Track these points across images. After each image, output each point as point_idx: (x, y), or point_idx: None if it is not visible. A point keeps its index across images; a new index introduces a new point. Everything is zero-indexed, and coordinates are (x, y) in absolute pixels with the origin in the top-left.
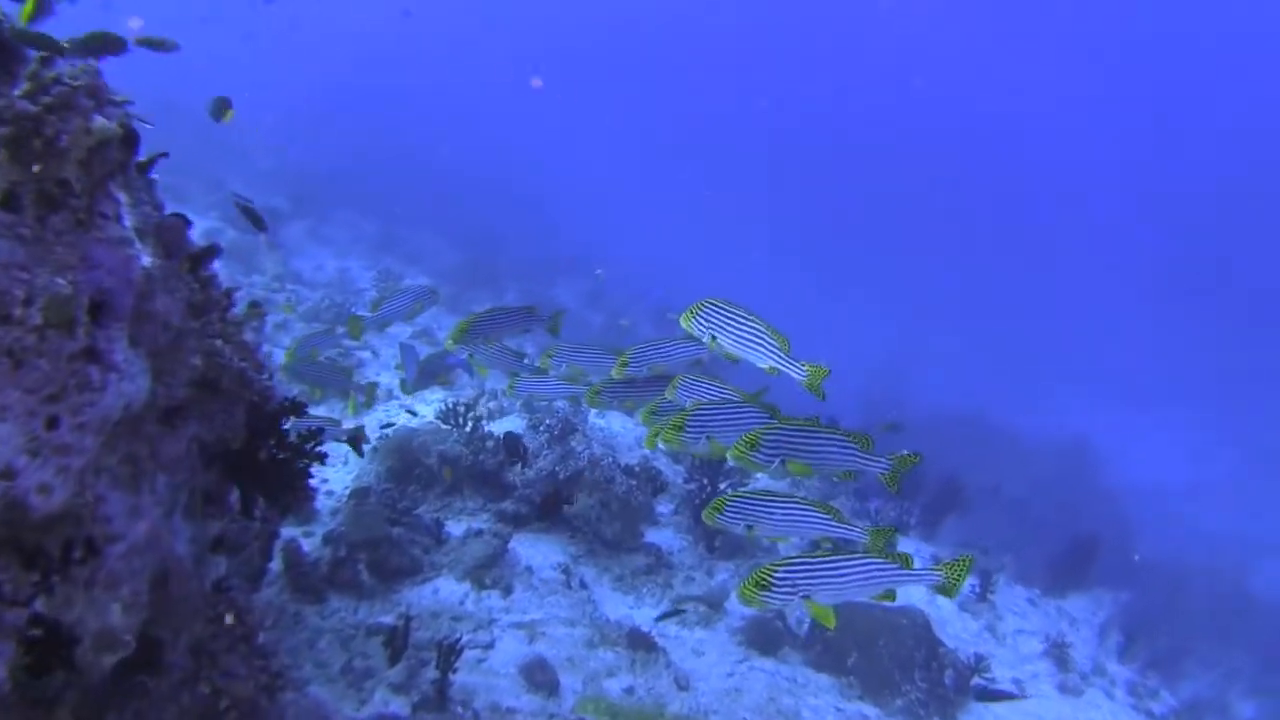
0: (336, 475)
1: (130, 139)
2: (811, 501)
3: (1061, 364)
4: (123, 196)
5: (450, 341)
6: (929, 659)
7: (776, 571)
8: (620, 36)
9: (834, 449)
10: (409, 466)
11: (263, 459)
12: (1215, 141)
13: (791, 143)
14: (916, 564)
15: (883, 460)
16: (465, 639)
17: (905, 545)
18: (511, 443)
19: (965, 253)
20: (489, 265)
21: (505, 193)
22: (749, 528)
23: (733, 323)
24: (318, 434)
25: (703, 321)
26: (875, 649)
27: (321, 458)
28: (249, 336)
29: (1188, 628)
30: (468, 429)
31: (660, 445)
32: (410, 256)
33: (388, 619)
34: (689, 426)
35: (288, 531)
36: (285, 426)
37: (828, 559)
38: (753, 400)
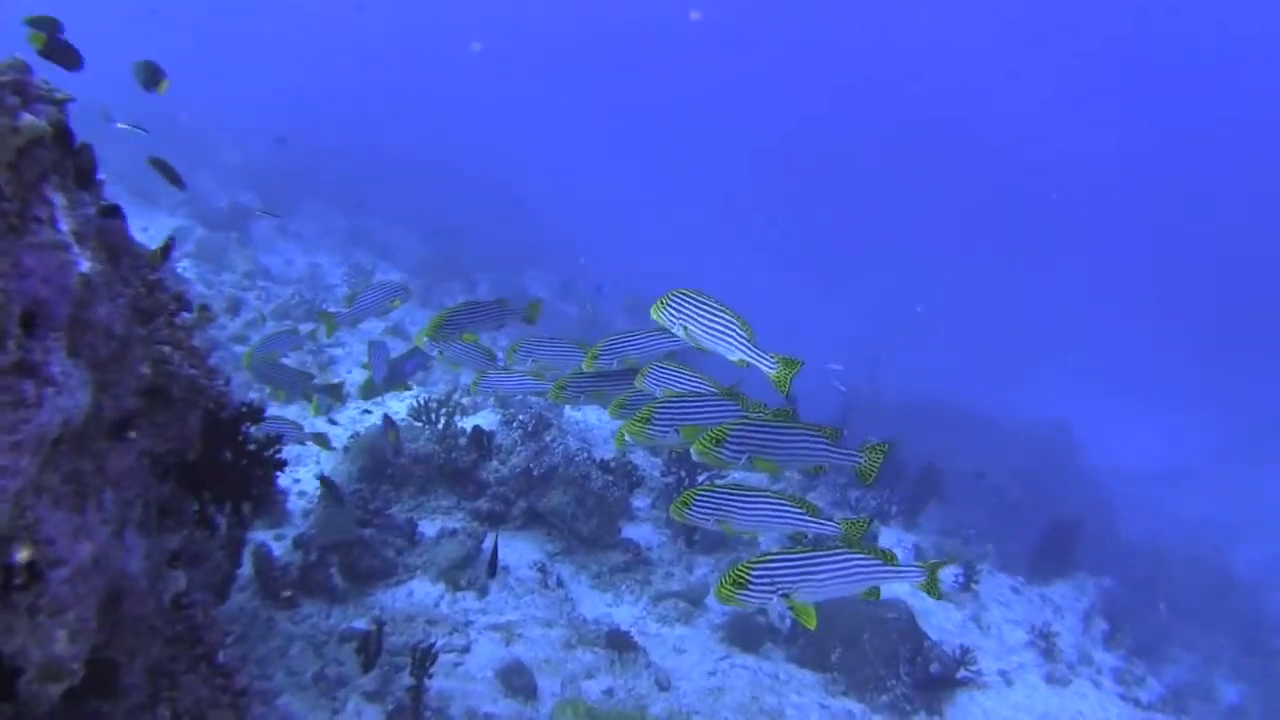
0: (309, 475)
1: (64, 137)
2: (785, 495)
3: (1039, 351)
4: (58, 198)
5: (423, 337)
6: (914, 653)
7: (754, 569)
8: (591, 22)
9: (803, 444)
10: (380, 466)
11: (220, 468)
12: (1198, 128)
13: (771, 134)
14: (900, 559)
15: (854, 453)
16: (440, 643)
17: (887, 534)
18: (478, 436)
19: (942, 243)
20: (459, 257)
21: (475, 184)
22: (719, 523)
23: (703, 313)
24: (277, 439)
25: (673, 312)
26: (859, 644)
27: (281, 464)
28: (198, 342)
29: (1169, 612)
30: (440, 426)
31: (630, 439)
32: (380, 250)
33: (361, 623)
34: (656, 419)
35: (259, 535)
36: (244, 433)
37: (807, 555)
38: (727, 393)
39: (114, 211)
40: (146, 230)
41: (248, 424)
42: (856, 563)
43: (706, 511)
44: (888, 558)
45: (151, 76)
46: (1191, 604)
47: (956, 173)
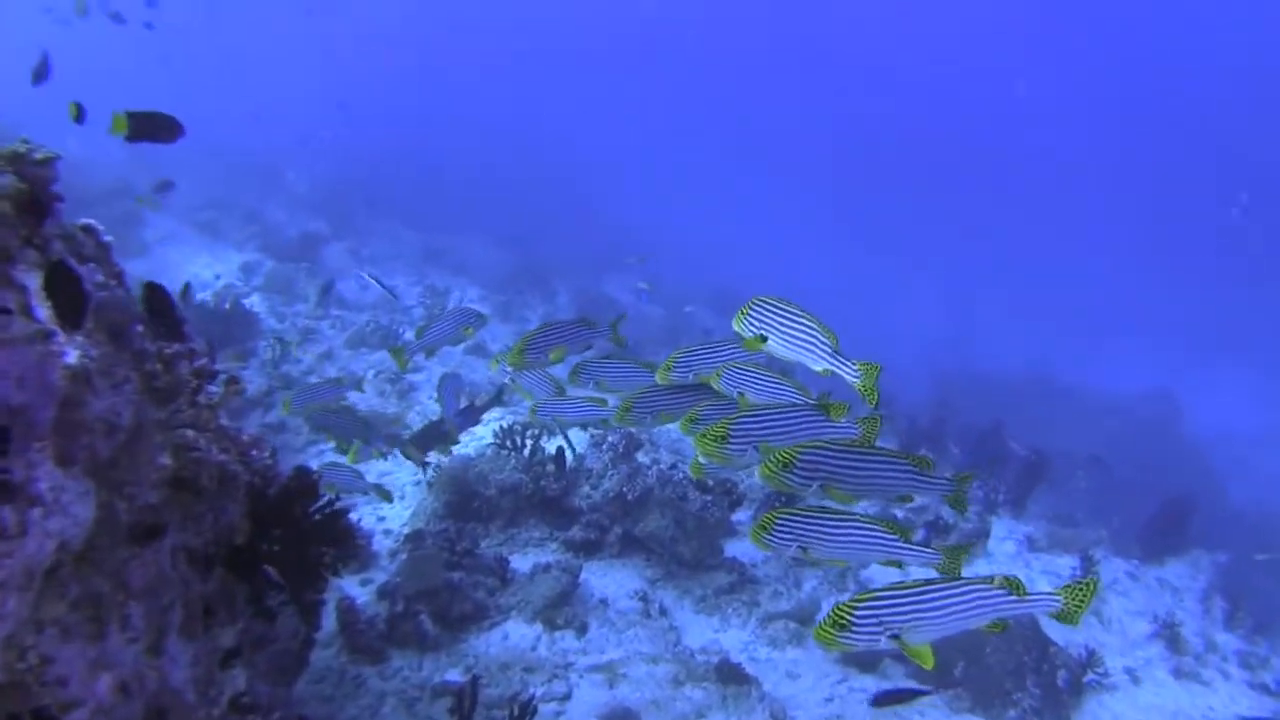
0: (394, 512)
1: (35, 205)
2: (877, 520)
3: (1113, 321)
4: (31, 280)
5: (509, 363)
6: (1040, 661)
7: (858, 609)
8: (655, 22)
9: (885, 472)
10: (466, 499)
11: (273, 552)
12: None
13: (840, 128)
14: (1026, 582)
15: (944, 481)
16: (540, 692)
17: (996, 525)
18: (558, 455)
19: (1011, 221)
20: (537, 267)
21: (549, 190)
22: (803, 549)
23: (785, 322)
24: (337, 516)
25: (755, 321)
26: (983, 656)
27: (344, 535)
28: (226, 420)
29: None
30: (526, 452)
31: (704, 460)
32: (456, 267)
33: (455, 674)
34: (733, 435)
35: (343, 582)
36: (296, 508)
37: (920, 591)
38: (821, 404)
39: (118, 279)
40: (218, 276)
41: (302, 499)
42: (978, 595)
43: (788, 537)
44: (1014, 586)
45: (40, 72)
46: None
47: (1017, 157)
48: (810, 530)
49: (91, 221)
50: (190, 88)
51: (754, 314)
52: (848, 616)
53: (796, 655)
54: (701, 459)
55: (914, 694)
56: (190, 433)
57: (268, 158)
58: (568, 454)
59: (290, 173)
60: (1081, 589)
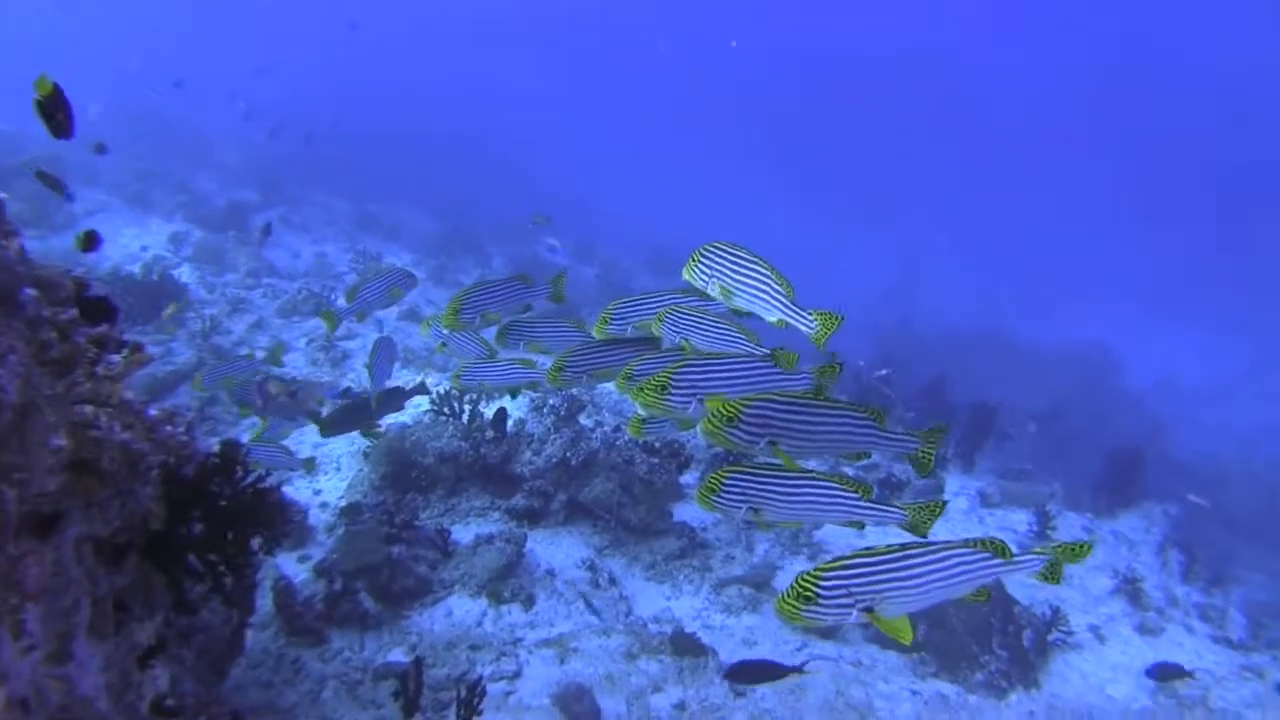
0: (330, 484)
1: None
2: (836, 478)
3: (1061, 277)
4: None
5: (443, 324)
6: (1005, 622)
7: (824, 579)
8: None
9: (841, 426)
10: (404, 469)
11: (192, 536)
12: (1206, 47)
13: (778, 81)
14: (1011, 544)
15: (907, 437)
16: (487, 672)
17: (947, 482)
18: (498, 417)
19: (958, 176)
20: (470, 232)
21: (480, 159)
22: (754, 511)
23: (738, 269)
24: (265, 493)
25: (706, 268)
26: (946, 618)
27: (272, 519)
28: (130, 394)
29: (1233, 531)
30: (464, 418)
31: (643, 410)
32: (389, 232)
33: (398, 654)
34: (674, 385)
35: (280, 559)
36: (215, 489)
37: (895, 558)
38: (774, 355)
39: (6, 236)
40: (145, 248)
41: (221, 477)
42: (959, 560)
43: (738, 498)
44: (998, 549)
45: None
46: (1255, 522)
47: (969, 109)
48: (762, 490)
49: None
50: (119, 52)
51: (705, 261)
52: (814, 588)
53: (752, 622)
54: (641, 412)
55: (780, 671)
56: (89, 409)
57: (198, 128)
58: (507, 419)
59: (220, 143)
60: (1070, 551)
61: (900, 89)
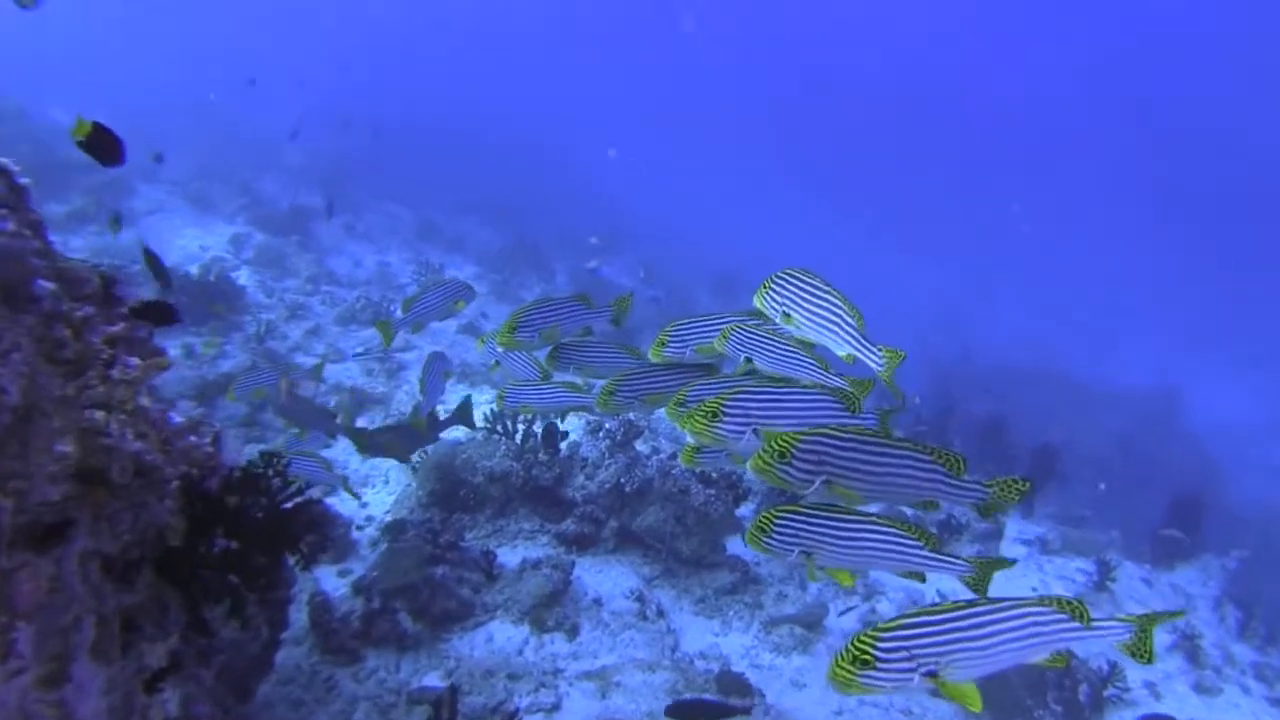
0: (377, 498)
1: None
2: (895, 522)
3: (1113, 310)
4: None
5: (499, 342)
6: (1061, 675)
7: (883, 641)
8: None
9: (907, 469)
10: (453, 488)
11: (212, 554)
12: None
13: (839, 104)
14: (1092, 610)
15: (978, 486)
16: (524, 703)
17: (1006, 527)
18: (549, 433)
19: (1010, 211)
20: (534, 247)
21: (549, 173)
22: (806, 554)
23: (810, 297)
24: (301, 508)
25: (777, 297)
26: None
27: (306, 531)
28: (145, 400)
29: None
30: (517, 437)
31: (694, 440)
32: (452, 244)
33: (434, 678)
34: (728, 413)
35: (320, 572)
36: (240, 506)
37: (962, 616)
38: (846, 393)
39: (33, 229)
40: (203, 248)
41: (248, 492)
42: (1034, 622)
43: (789, 539)
44: (1076, 612)
45: None
46: None
47: (1012, 146)
48: (816, 532)
49: (6, 160)
50: (192, 54)
51: (777, 288)
52: (871, 651)
53: (802, 663)
54: (691, 440)
55: (724, 711)
56: (100, 414)
57: (265, 130)
58: (559, 435)
59: (283, 145)
60: (1160, 620)
61: (951, 115)
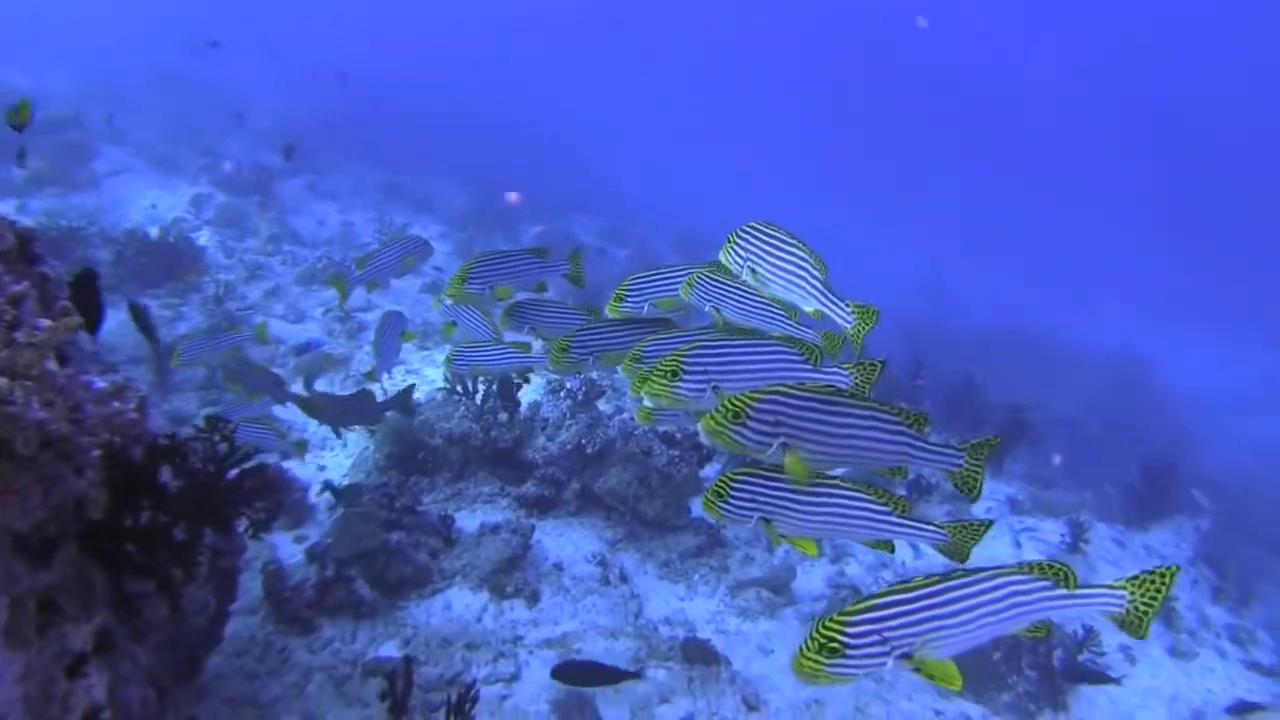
0: (335, 461)
1: None
2: (863, 486)
3: (1090, 278)
4: None
5: (448, 294)
6: (1036, 640)
7: (851, 625)
8: None
9: (871, 431)
10: (411, 450)
11: (138, 528)
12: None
13: (816, 73)
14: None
15: (950, 451)
16: (483, 673)
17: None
18: (505, 391)
19: (989, 174)
20: (501, 207)
21: (518, 133)
22: (766, 521)
23: (775, 251)
24: (238, 484)
25: (742, 251)
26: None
27: (236, 511)
28: (53, 365)
29: (1262, 548)
30: (478, 398)
31: (649, 402)
32: (420, 204)
33: (391, 647)
34: (687, 371)
35: (276, 539)
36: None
37: (935, 592)
38: (810, 348)
39: None
40: (154, 205)
41: (174, 461)
42: (1014, 592)
43: (748, 505)
44: (1061, 577)
45: None
46: None
47: (997, 112)
48: (776, 497)
49: None
50: (159, 17)
51: (742, 242)
52: (839, 637)
53: (769, 628)
54: (647, 403)
55: (614, 674)
56: (2, 381)
57: (230, 93)
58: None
59: (251, 108)
60: (1151, 584)
61: (933, 83)
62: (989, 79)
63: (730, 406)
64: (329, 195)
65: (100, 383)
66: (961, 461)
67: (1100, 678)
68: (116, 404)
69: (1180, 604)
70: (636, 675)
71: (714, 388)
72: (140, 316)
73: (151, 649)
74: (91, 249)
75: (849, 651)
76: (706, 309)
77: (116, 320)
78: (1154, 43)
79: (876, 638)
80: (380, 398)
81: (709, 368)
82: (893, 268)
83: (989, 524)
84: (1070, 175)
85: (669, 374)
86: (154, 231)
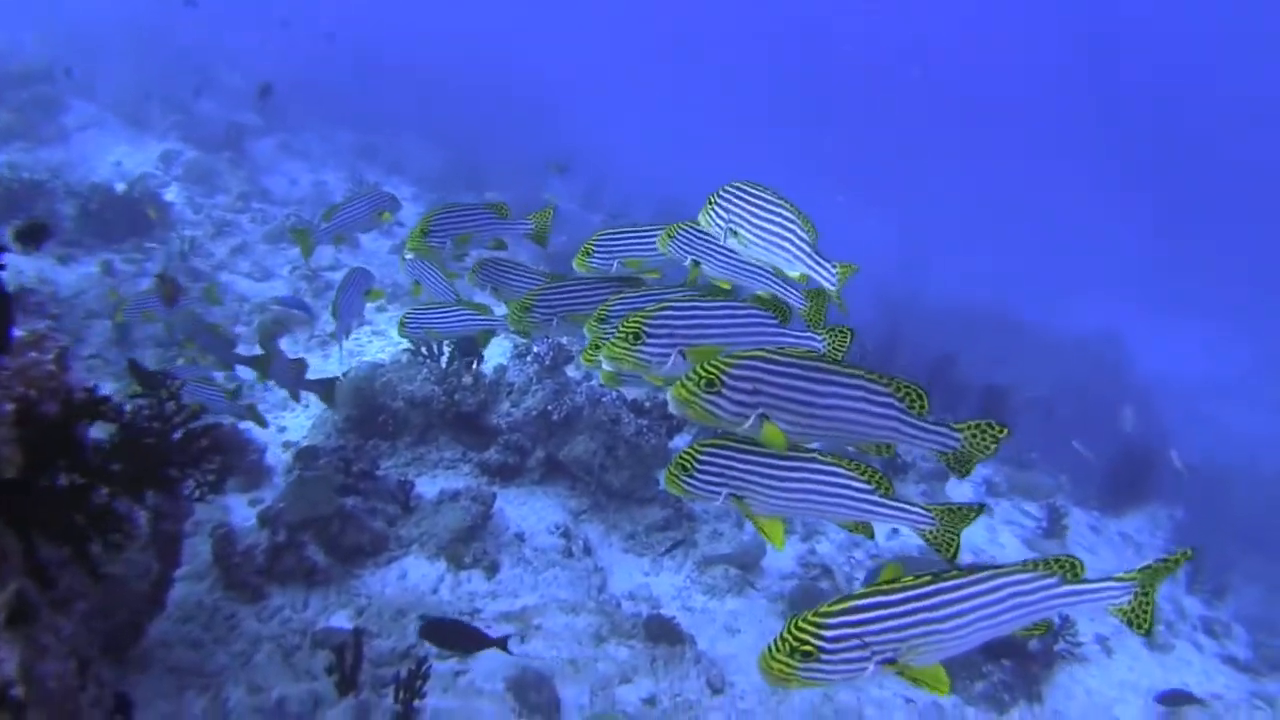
0: (297, 421)
1: None
2: (842, 461)
3: (1069, 260)
4: None
5: (409, 248)
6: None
7: (829, 627)
8: None
9: (856, 403)
10: (371, 413)
11: (56, 490)
12: (1226, 42)
13: (795, 46)
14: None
15: (946, 431)
16: (436, 649)
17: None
18: (465, 347)
19: (971, 152)
20: (476, 169)
21: (493, 96)
22: (736, 498)
23: (760, 211)
24: (165, 451)
25: (723, 211)
26: None
27: (167, 479)
28: None
29: (1235, 540)
30: (443, 361)
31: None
32: (393, 165)
33: (343, 617)
34: (650, 333)
35: (230, 501)
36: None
37: (925, 594)
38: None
39: None
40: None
41: (87, 421)
42: (1013, 594)
43: (715, 481)
44: (1066, 568)
45: None
46: (1255, 530)
47: (975, 89)
48: (747, 472)
49: None
50: None
51: (724, 202)
52: (814, 641)
53: (736, 606)
54: (606, 366)
55: (480, 640)
56: None
57: (209, 51)
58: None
59: (228, 67)
60: (1154, 577)
61: (913, 61)
62: (979, 61)
63: (704, 373)
64: (302, 154)
65: (16, 331)
66: (958, 443)
67: None
68: (33, 354)
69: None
70: (503, 646)
71: (680, 352)
72: (137, 369)
73: (78, 618)
74: (56, 203)
75: (824, 656)
76: (686, 262)
77: (79, 274)
78: (1150, 26)
79: (856, 642)
80: (338, 359)
81: (675, 330)
82: (876, 241)
83: (980, 508)
84: (1060, 159)
85: (630, 336)
86: (120, 186)
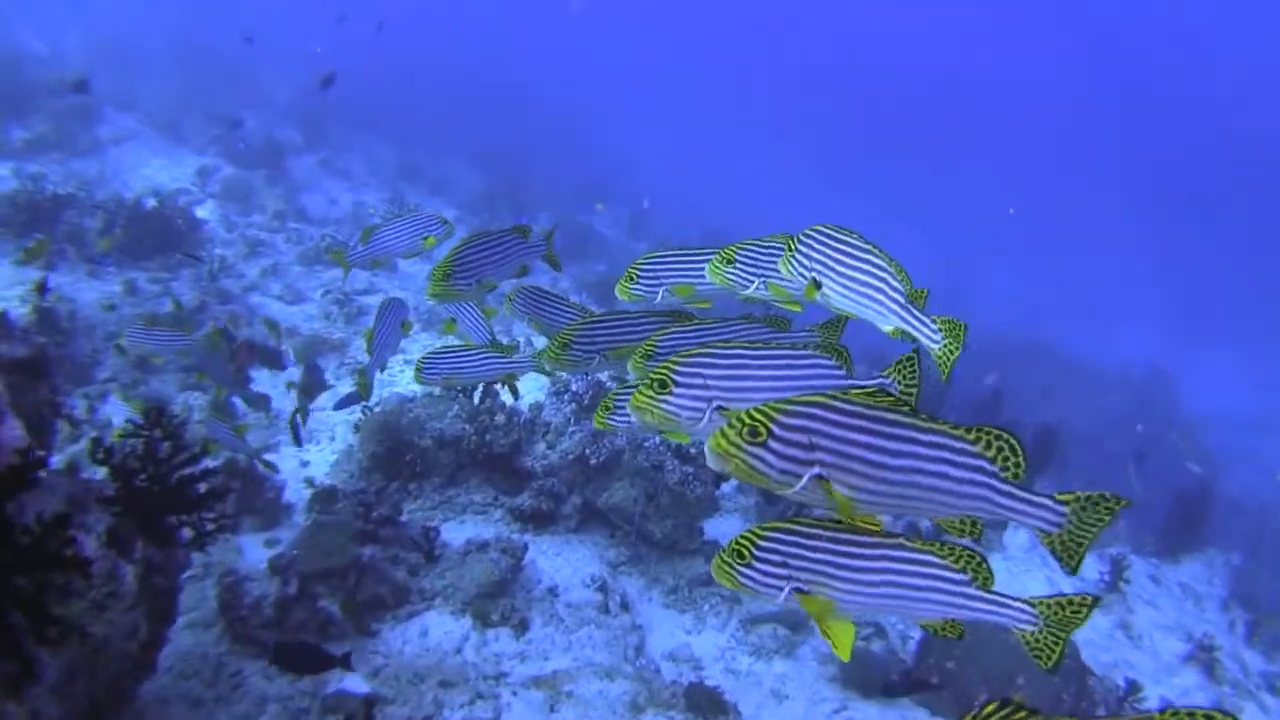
0: (321, 456)
1: None
2: (930, 545)
3: (1107, 290)
4: None
5: (429, 295)
6: (1079, 697)
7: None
8: None
9: (939, 465)
10: (397, 451)
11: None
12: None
13: (839, 77)
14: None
15: (1051, 504)
16: (456, 717)
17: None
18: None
19: (1007, 181)
20: (519, 193)
21: (540, 119)
22: (800, 594)
23: (846, 259)
24: (159, 497)
25: (805, 259)
26: (1013, 690)
27: (161, 528)
28: None
29: None
30: (475, 397)
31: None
32: (434, 186)
33: (357, 678)
34: (679, 380)
35: (245, 540)
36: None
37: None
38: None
39: None
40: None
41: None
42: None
43: (776, 573)
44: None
45: None
46: None
47: (1019, 122)
48: (816, 562)
49: None
50: None
51: (805, 248)
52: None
53: (784, 669)
54: (635, 420)
55: (327, 660)
56: None
57: (256, 65)
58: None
59: (270, 81)
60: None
61: (951, 89)
62: (1012, 91)
63: (749, 421)
64: (342, 173)
65: None
66: (1064, 519)
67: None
68: None
69: (1222, 653)
70: (346, 664)
71: (717, 408)
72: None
73: (49, 688)
74: (83, 217)
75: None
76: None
77: (102, 292)
78: (1192, 53)
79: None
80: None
81: (709, 380)
82: (916, 274)
83: (1095, 601)
84: (1090, 183)
85: (658, 384)
86: (151, 202)
